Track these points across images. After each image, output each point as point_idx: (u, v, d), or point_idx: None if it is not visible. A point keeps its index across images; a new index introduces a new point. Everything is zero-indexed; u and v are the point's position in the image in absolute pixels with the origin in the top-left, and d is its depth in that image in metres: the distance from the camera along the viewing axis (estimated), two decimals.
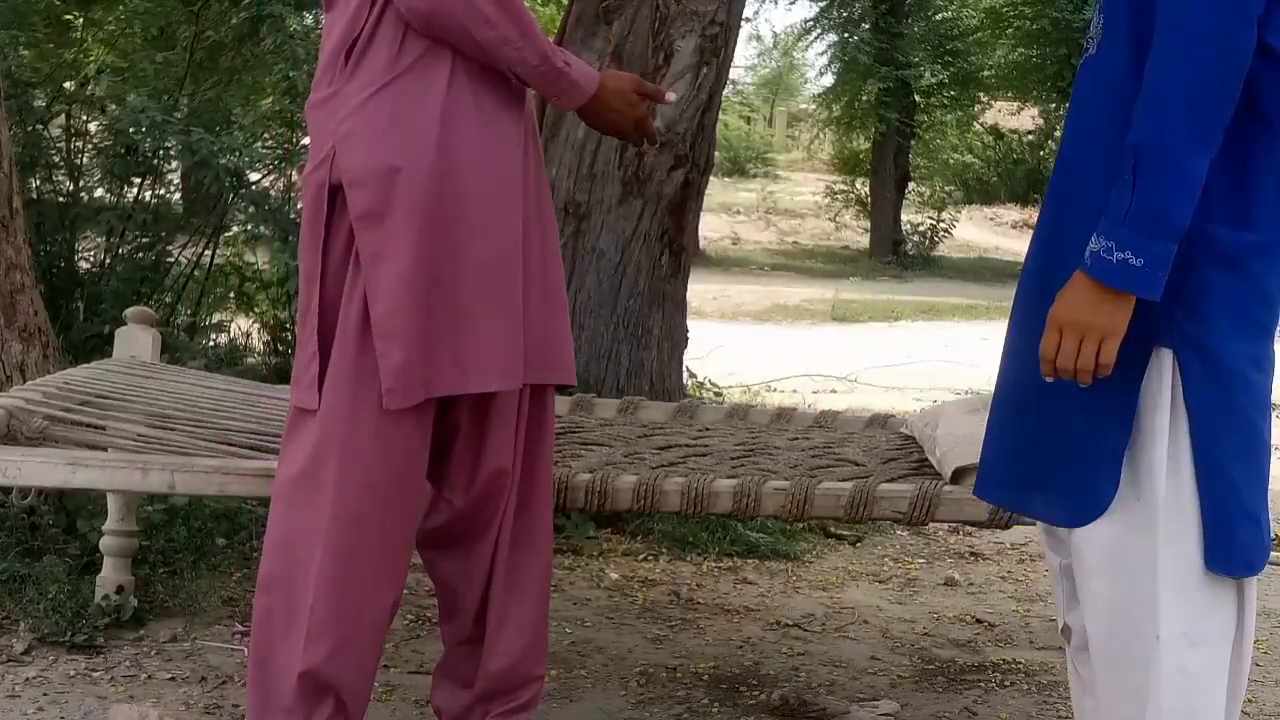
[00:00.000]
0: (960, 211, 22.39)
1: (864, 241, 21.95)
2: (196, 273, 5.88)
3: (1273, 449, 2.13)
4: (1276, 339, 2.03)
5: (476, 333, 2.41)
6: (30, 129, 5.41)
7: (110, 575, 3.42)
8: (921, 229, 21.27)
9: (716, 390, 6.45)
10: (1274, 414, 2.19)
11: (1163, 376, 1.96)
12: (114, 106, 5.77)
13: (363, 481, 2.38)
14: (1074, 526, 2.05)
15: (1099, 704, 2.09)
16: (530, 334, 2.51)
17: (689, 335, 5.11)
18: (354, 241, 2.37)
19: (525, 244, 2.50)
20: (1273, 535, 2.11)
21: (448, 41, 2.37)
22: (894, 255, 20.41)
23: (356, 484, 2.38)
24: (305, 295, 2.46)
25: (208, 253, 5.88)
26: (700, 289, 12.07)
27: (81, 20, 5.85)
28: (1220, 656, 2.01)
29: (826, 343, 10.97)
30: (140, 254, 5.57)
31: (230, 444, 2.96)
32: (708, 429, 3.59)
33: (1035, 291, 2.07)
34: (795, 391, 7.83)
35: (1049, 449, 2.08)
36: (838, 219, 23.41)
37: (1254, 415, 1.99)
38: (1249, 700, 3.01)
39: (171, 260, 5.78)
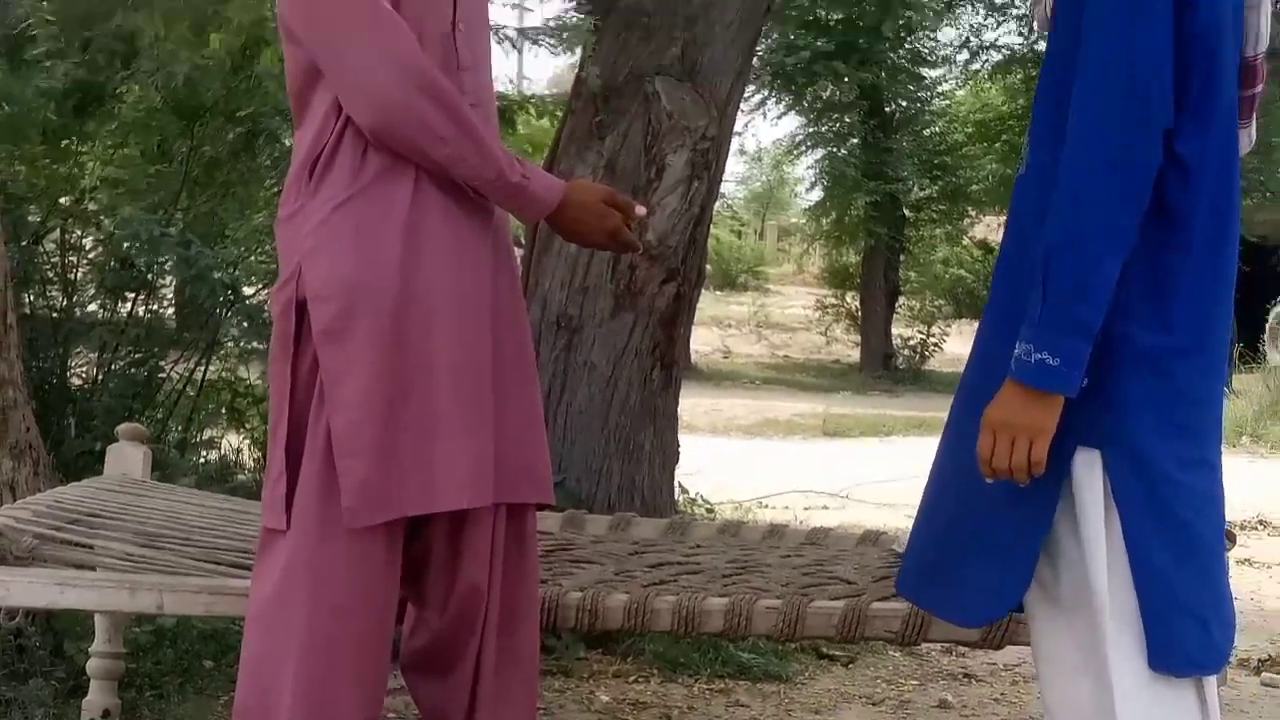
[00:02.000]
0: (950, 326, 22.46)
1: (855, 355, 21.99)
2: (189, 388, 5.87)
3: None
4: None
5: (443, 449, 2.37)
6: (25, 244, 5.44)
7: (97, 699, 3.37)
8: (912, 343, 21.31)
9: (708, 506, 6.42)
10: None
11: (1094, 478, 2.01)
12: (109, 221, 5.81)
13: (333, 603, 2.35)
14: (970, 625, 2.10)
15: None
16: (507, 451, 2.48)
17: (680, 450, 5.10)
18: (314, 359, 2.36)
19: (499, 358, 2.49)
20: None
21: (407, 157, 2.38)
22: (885, 369, 20.42)
23: (326, 606, 2.35)
24: (275, 413, 2.44)
25: (200, 368, 5.88)
26: (692, 403, 12.06)
27: (78, 135, 5.89)
28: None
29: (818, 458, 10.94)
30: (133, 369, 5.57)
31: (219, 563, 2.94)
32: (699, 546, 3.57)
33: (969, 398, 2.14)
34: (787, 507, 7.80)
35: (960, 544, 2.14)
36: (828, 333, 23.48)
37: (1187, 515, 2.03)
38: None
39: (164, 375, 5.78)
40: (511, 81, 10.36)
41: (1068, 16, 2.05)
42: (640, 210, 2.66)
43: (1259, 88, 2.16)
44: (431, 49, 2.40)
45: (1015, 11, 19.53)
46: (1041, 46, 18.91)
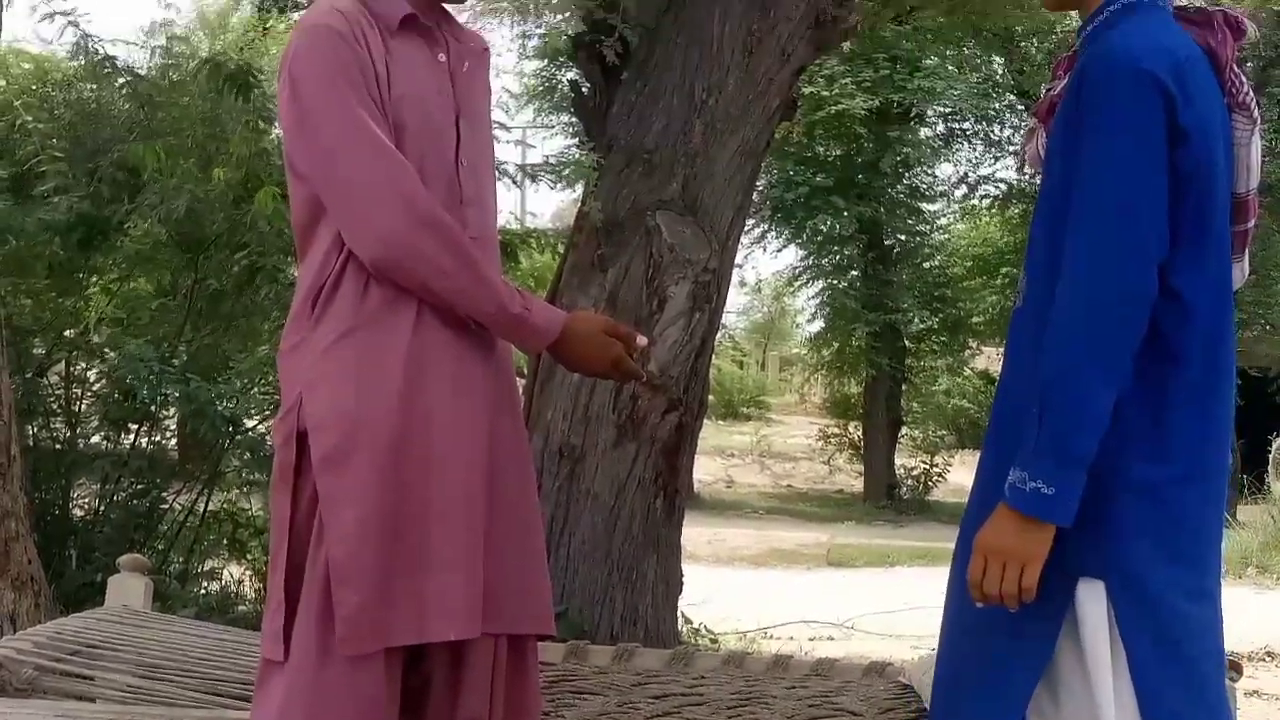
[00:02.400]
0: (954, 456, 22.44)
1: (858, 485, 21.93)
2: (190, 519, 5.86)
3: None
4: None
5: (436, 581, 2.36)
6: (29, 376, 5.47)
7: None
8: (915, 473, 21.28)
9: (712, 636, 6.38)
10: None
11: (1098, 609, 2.01)
12: (113, 354, 5.85)
13: None
14: None
15: None
16: (506, 583, 2.47)
17: (684, 580, 5.08)
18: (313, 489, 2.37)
19: (499, 489, 2.49)
20: None
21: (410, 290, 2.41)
22: (888, 499, 20.36)
23: None
24: (275, 544, 2.42)
25: (202, 499, 5.88)
26: (695, 532, 12.00)
27: (83, 269, 5.98)
28: None
29: (822, 588, 10.87)
30: (135, 500, 5.57)
31: (219, 694, 2.91)
32: (703, 677, 3.53)
33: (972, 529, 2.12)
34: (792, 638, 7.73)
35: (962, 673, 2.12)
36: (831, 462, 23.45)
37: (1194, 651, 2.03)
38: None
39: (166, 506, 5.78)
40: (515, 215, 10.50)
41: (1062, 153, 2.09)
42: (642, 340, 2.68)
43: (1251, 222, 2.21)
44: (434, 184, 2.44)
45: (1011, 147, 19.83)
46: (1038, 182, 19.30)
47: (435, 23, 2.53)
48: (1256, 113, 2.18)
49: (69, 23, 5.60)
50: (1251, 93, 2.20)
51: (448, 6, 2.58)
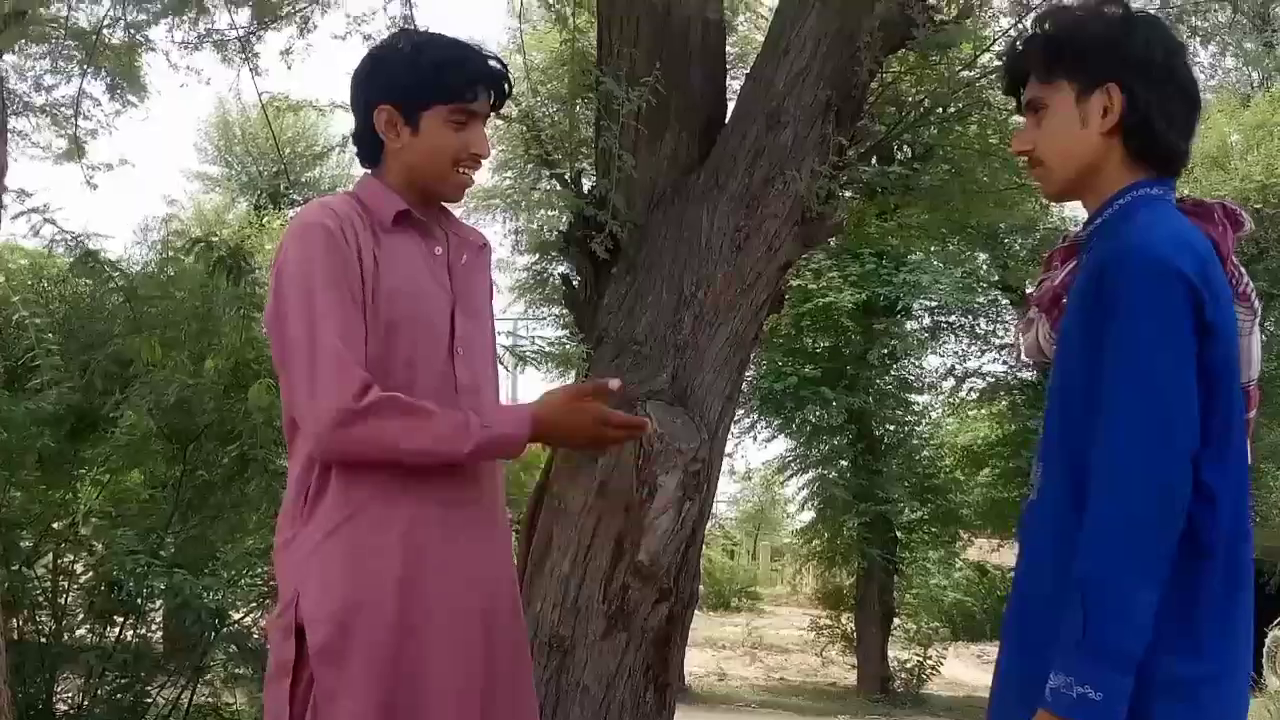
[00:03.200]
0: (948, 648, 22.17)
1: (851, 678, 21.61)
2: (174, 714, 5.77)
3: None
4: None
5: None
6: (15, 568, 5.44)
7: None
8: (909, 665, 20.99)
9: None
10: None
11: None
12: (100, 547, 5.83)
13: None
14: None
15: None
16: None
17: None
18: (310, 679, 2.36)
19: (494, 672, 2.49)
20: None
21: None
22: (882, 693, 20.05)
23: None
24: None
25: (187, 693, 5.80)
26: None
27: (73, 460, 5.99)
28: None
29: None
30: (119, 694, 5.50)
31: None
32: None
33: None
34: None
35: None
36: (824, 654, 23.14)
37: None
38: None
39: (150, 701, 5.69)
40: (507, 400, 10.53)
41: (1082, 348, 2.07)
42: (613, 384, 2.66)
43: (1252, 413, 2.21)
44: (426, 372, 2.48)
45: (997, 341, 20.06)
46: (1026, 374, 19.26)
47: (431, 218, 2.61)
48: (1257, 304, 2.22)
49: (45, 220, 5.65)
50: (1251, 284, 2.24)
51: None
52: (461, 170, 2.58)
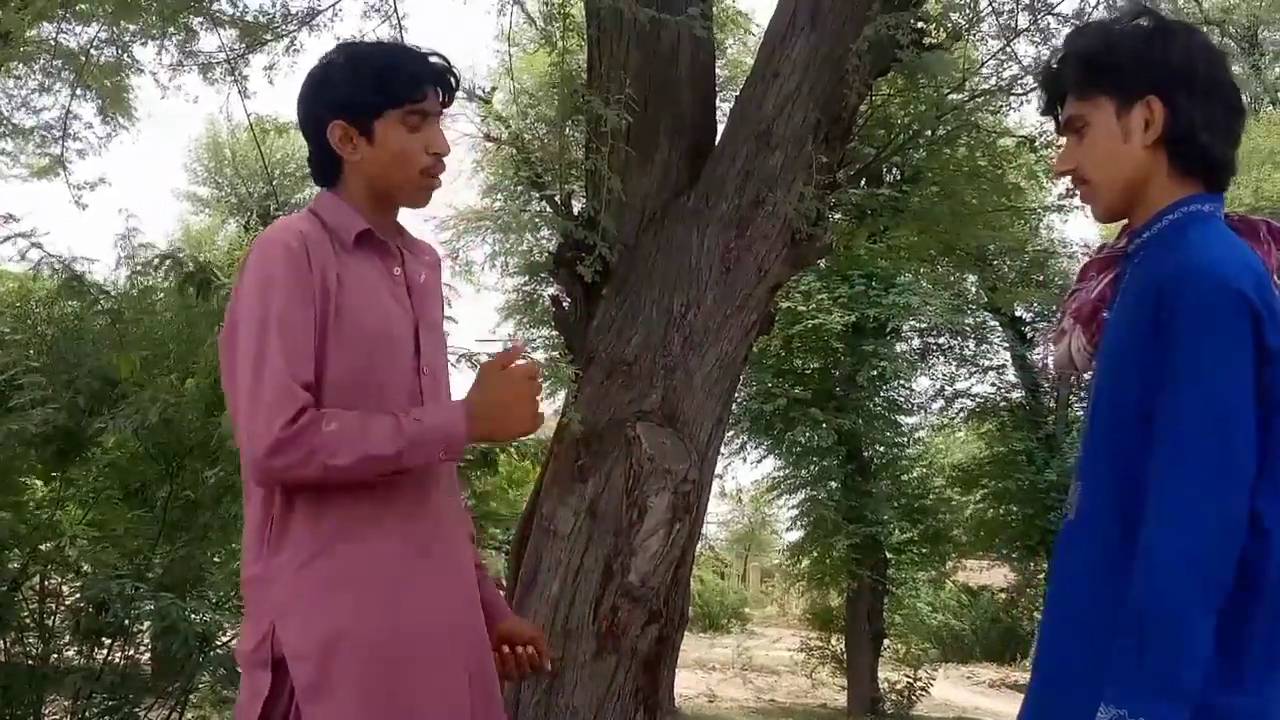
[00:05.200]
0: (937, 669, 22.15)
1: (842, 699, 21.58)
2: None
3: None
4: None
5: None
6: (3, 590, 5.42)
7: None
8: (899, 686, 20.97)
9: None
10: None
11: None
12: (88, 569, 5.80)
13: None
14: None
15: None
16: None
17: None
18: (293, 713, 2.33)
19: (474, 696, 2.48)
20: None
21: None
22: (872, 713, 20.01)
23: None
24: None
25: (175, 715, 5.77)
26: None
27: (59, 480, 5.97)
28: None
29: None
30: (107, 716, 5.47)
31: None
32: None
33: None
34: None
35: None
36: (814, 676, 23.11)
37: None
38: None
39: None
40: None
41: (1137, 366, 2.02)
42: (515, 346, 2.62)
43: None
44: (393, 392, 2.46)
45: (985, 363, 20.11)
46: (1015, 395, 19.25)
47: (389, 235, 2.60)
48: None
49: (32, 244, 5.65)
50: None
51: (408, 211, 2.65)
52: (425, 174, 2.56)
